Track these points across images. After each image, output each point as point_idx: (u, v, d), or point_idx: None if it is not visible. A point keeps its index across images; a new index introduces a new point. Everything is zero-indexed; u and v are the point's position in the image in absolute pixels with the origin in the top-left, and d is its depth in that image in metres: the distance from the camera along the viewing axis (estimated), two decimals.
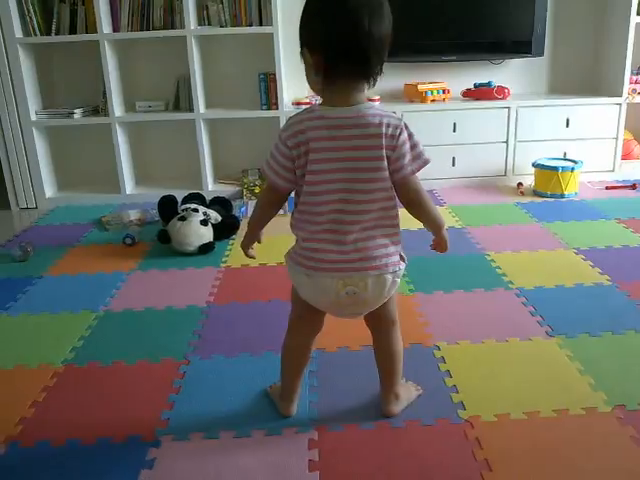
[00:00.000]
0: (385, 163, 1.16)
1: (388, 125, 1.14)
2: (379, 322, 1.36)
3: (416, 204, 1.24)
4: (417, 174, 1.21)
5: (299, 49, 1.16)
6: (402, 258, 1.28)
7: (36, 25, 3.10)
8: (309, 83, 1.19)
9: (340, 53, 1.10)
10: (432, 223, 1.29)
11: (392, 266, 1.24)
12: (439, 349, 1.67)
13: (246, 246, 1.36)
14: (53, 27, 3.11)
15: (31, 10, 3.07)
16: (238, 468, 1.26)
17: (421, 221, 1.29)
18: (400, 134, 1.15)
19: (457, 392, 1.47)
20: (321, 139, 1.15)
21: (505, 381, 1.52)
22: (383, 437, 1.33)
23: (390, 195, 1.20)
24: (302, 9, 1.14)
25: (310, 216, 1.20)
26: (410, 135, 1.18)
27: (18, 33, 3.06)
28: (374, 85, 1.17)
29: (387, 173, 1.17)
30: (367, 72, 1.13)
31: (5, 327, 1.92)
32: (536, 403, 1.42)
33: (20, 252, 2.46)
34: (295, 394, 1.42)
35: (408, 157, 1.17)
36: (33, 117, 3.18)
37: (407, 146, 1.17)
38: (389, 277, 1.24)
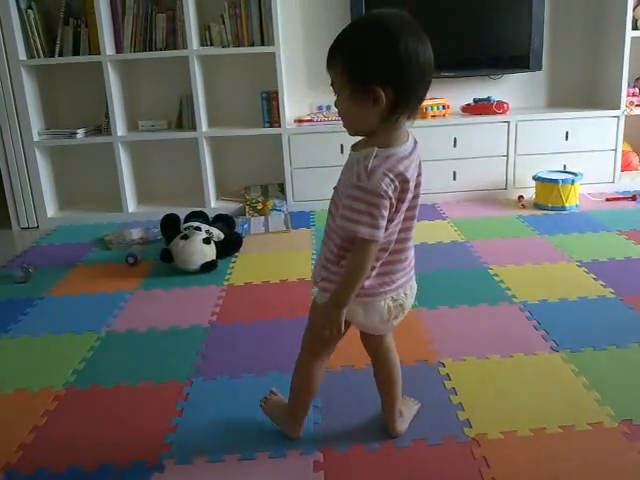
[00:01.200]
0: None
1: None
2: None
3: None
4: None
5: (355, 84, 1.08)
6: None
7: (40, 47, 3.14)
8: (361, 122, 1.12)
9: (414, 88, 1.08)
10: None
11: None
12: (444, 366, 1.66)
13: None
14: (56, 49, 3.15)
15: (35, 32, 3.11)
16: None
17: None
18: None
19: (463, 410, 1.46)
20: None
21: (511, 397, 1.51)
22: (389, 458, 1.31)
23: None
24: (365, 42, 1.08)
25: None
26: None
27: (22, 55, 3.09)
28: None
29: None
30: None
31: (6, 350, 1.91)
32: (542, 419, 1.41)
33: (21, 273, 2.46)
34: (306, 417, 1.41)
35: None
36: (36, 137, 3.20)
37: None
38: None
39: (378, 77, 1.06)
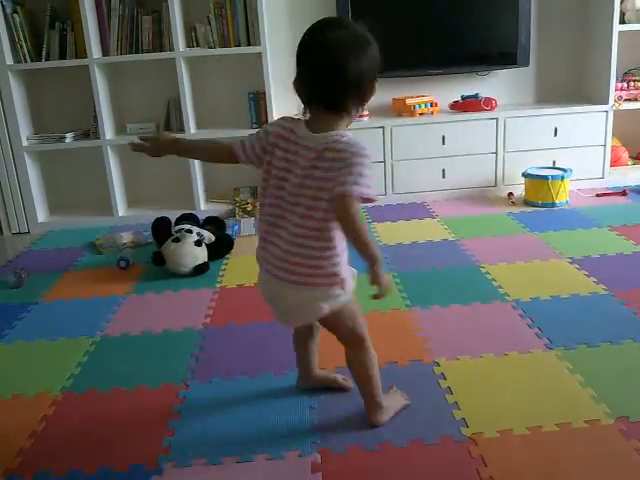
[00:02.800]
0: None
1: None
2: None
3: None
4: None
5: None
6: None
7: (26, 52, 3.11)
8: None
9: (312, 92, 1.24)
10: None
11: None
12: (438, 365, 1.67)
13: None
14: (43, 53, 3.12)
15: (21, 37, 3.09)
16: None
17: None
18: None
19: (459, 409, 1.47)
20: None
21: (506, 396, 1.52)
22: (387, 457, 1.32)
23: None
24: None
25: None
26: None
27: (9, 60, 3.07)
28: (349, 120, 1.28)
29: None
30: (336, 110, 1.24)
31: (2, 355, 1.91)
32: (538, 417, 1.42)
33: (14, 278, 2.44)
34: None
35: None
36: (24, 142, 3.18)
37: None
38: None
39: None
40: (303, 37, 1.26)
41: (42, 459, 1.39)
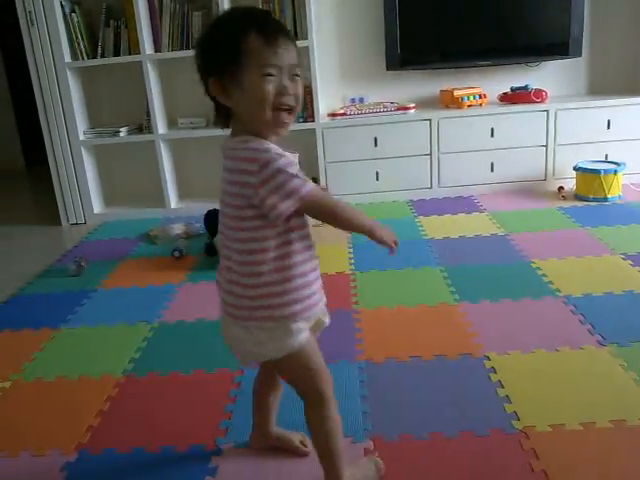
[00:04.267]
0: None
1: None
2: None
3: None
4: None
5: None
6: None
7: (83, 49, 3.24)
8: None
9: None
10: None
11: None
12: (489, 359, 1.68)
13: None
14: (99, 50, 3.24)
15: (79, 35, 3.22)
16: (299, 475, 1.30)
17: None
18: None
19: (510, 402, 1.48)
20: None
21: (558, 391, 1.52)
22: (438, 448, 1.35)
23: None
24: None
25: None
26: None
27: (67, 58, 3.20)
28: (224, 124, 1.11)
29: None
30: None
31: (66, 339, 2.02)
32: (591, 414, 1.42)
33: (75, 267, 2.56)
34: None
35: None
36: (81, 137, 3.31)
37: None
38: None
39: None
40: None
41: (109, 436, 1.48)
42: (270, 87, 1.02)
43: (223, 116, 1.10)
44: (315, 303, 1.13)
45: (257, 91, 1.01)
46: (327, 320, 1.21)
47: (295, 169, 1.04)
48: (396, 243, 1.13)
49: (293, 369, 1.14)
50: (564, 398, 1.49)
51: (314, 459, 1.22)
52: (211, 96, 1.08)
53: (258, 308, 1.08)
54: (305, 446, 1.35)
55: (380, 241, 1.10)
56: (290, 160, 1.04)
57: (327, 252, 2.63)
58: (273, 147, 1.04)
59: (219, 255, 1.08)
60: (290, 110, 1.06)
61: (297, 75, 1.05)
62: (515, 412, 1.44)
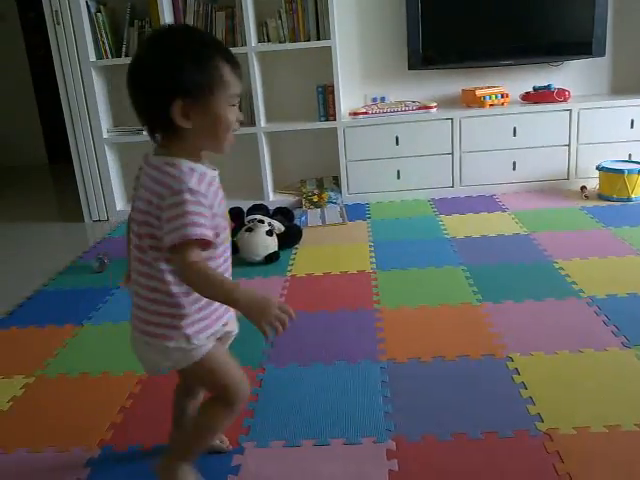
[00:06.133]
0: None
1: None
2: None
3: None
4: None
5: None
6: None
7: (108, 48, 3.28)
8: None
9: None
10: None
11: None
12: (512, 360, 1.67)
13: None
14: (123, 49, 3.28)
15: (103, 35, 3.25)
16: (321, 476, 1.30)
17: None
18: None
19: (534, 404, 1.47)
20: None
21: (582, 393, 1.51)
22: (462, 449, 1.34)
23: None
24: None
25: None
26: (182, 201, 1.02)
27: (92, 57, 3.24)
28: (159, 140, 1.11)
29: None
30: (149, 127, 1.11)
31: (89, 336, 2.04)
32: (617, 416, 1.40)
33: (97, 263, 2.60)
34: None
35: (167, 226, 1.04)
36: (105, 135, 3.35)
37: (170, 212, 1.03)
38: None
39: None
40: None
41: (131, 433, 1.49)
42: (234, 116, 1.08)
43: (162, 132, 1.10)
44: (211, 324, 1.17)
45: (224, 119, 1.07)
46: (235, 329, 1.28)
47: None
48: (283, 326, 1.05)
49: (201, 376, 1.20)
50: (588, 400, 1.48)
51: (337, 458, 1.22)
52: (154, 111, 1.07)
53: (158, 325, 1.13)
54: (223, 442, 1.39)
55: (259, 324, 1.04)
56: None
57: (348, 251, 2.64)
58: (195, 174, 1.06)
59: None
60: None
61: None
62: (539, 414, 1.43)
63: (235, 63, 1.07)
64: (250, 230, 2.55)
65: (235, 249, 2.55)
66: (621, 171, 2.99)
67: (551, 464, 1.27)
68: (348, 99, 3.42)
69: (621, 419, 1.39)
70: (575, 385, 1.54)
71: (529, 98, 3.33)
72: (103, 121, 3.34)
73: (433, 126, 3.24)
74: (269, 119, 3.43)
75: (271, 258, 2.54)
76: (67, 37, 3.18)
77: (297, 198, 3.38)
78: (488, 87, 3.33)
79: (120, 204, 3.51)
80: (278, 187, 3.55)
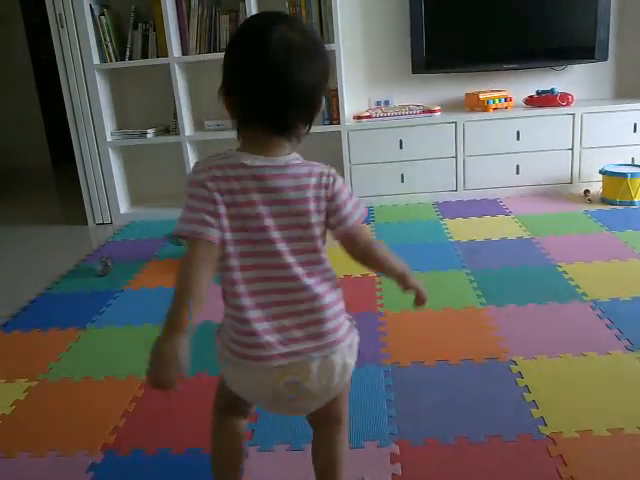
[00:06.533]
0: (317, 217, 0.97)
1: (321, 175, 0.98)
2: (321, 420, 1.09)
3: (370, 256, 1.05)
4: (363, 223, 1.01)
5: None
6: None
7: (111, 51, 3.29)
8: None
9: (255, 112, 0.94)
10: (394, 272, 1.07)
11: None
12: (515, 364, 1.67)
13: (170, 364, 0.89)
14: (127, 52, 3.29)
15: (107, 38, 3.27)
16: None
17: (384, 273, 1.09)
18: (334, 182, 0.98)
19: (537, 408, 1.47)
20: (249, 191, 0.94)
21: (585, 397, 1.51)
22: (465, 453, 1.34)
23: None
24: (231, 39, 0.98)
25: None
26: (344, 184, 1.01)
27: (95, 60, 3.25)
28: (298, 142, 1.01)
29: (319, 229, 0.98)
30: (286, 133, 0.96)
31: (93, 339, 2.04)
32: (620, 420, 1.40)
33: (101, 267, 2.60)
34: None
35: (350, 205, 0.99)
36: (109, 138, 3.36)
37: (345, 194, 0.99)
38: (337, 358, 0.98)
39: (224, 77, 0.96)
40: (242, 36, 0.95)
41: (135, 437, 1.49)
42: None
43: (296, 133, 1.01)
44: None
45: None
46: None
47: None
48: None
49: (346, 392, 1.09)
50: (591, 404, 1.48)
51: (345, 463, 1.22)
52: (315, 111, 1.00)
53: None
54: None
55: (419, 288, 1.07)
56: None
57: None
58: None
59: None
60: None
61: None
62: (542, 417, 1.43)
63: None
64: None
65: None
66: (624, 175, 2.99)
67: (554, 468, 1.27)
68: (352, 103, 3.43)
69: (624, 423, 1.39)
70: (578, 389, 1.54)
71: (532, 102, 3.33)
72: (107, 124, 3.35)
73: (437, 130, 3.24)
74: None
75: None
76: (71, 40, 3.19)
77: None
78: (492, 91, 3.34)
79: (124, 207, 3.52)
80: None
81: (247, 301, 0.96)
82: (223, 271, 0.97)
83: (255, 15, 1.03)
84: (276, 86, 0.91)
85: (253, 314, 0.96)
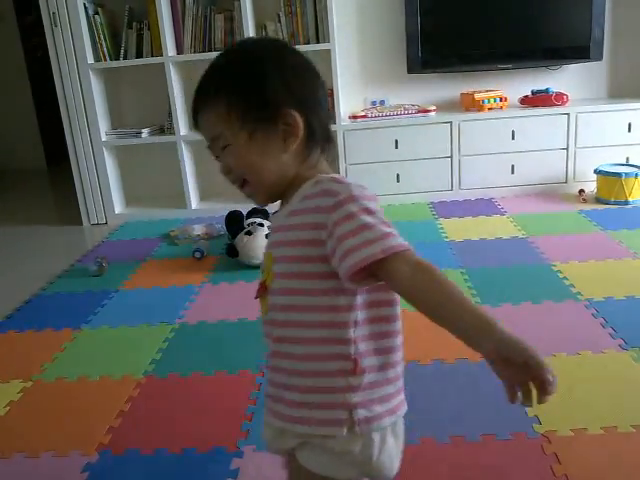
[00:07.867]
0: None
1: None
2: None
3: None
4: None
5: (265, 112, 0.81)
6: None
7: (106, 51, 3.28)
8: (279, 161, 0.83)
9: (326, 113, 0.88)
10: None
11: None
12: None
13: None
14: (121, 52, 3.28)
15: (101, 37, 3.26)
16: None
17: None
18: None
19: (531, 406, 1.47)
20: None
21: (580, 395, 1.51)
22: (460, 451, 1.35)
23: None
24: (253, 61, 0.84)
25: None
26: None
27: (90, 59, 3.24)
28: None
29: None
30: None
31: (88, 339, 2.04)
32: (614, 418, 1.41)
33: (96, 267, 2.59)
34: None
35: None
36: (103, 137, 3.36)
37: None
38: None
39: (285, 98, 0.80)
40: (290, 58, 0.87)
41: (130, 437, 1.49)
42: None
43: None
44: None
45: None
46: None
47: None
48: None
49: None
50: (585, 402, 1.48)
51: None
52: None
53: None
54: None
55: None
56: None
57: None
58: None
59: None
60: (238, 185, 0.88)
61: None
62: (537, 416, 1.43)
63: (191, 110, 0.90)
64: (250, 233, 2.55)
65: (235, 252, 2.55)
66: (618, 174, 3.00)
67: (549, 466, 1.27)
68: (347, 102, 3.43)
69: (618, 420, 1.40)
70: (573, 387, 1.55)
71: (527, 102, 3.33)
72: (101, 123, 3.34)
73: (432, 129, 3.25)
74: None
75: None
76: (65, 39, 3.18)
77: None
78: (487, 91, 3.34)
79: (119, 207, 3.51)
80: None
81: (399, 340, 0.82)
82: (380, 307, 0.81)
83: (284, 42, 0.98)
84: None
85: (401, 354, 0.82)
